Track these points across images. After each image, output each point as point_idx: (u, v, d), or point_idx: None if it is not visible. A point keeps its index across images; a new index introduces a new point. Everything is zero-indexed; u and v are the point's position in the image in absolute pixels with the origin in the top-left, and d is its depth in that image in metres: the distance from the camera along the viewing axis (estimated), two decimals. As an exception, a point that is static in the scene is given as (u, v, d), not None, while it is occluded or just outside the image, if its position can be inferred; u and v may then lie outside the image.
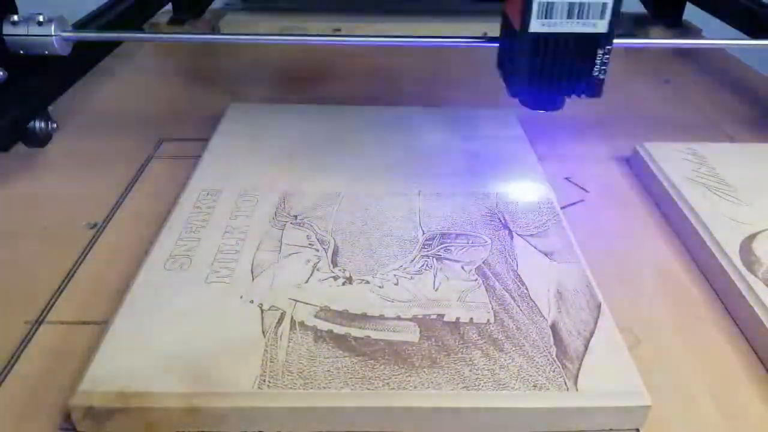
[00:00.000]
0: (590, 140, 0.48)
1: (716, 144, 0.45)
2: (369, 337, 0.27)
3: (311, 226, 0.34)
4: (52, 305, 0.31)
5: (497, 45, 0.37)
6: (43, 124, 0.41)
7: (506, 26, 0.35)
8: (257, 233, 0.33)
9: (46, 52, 0.38)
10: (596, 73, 0.33)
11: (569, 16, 0.31)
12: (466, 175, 0.39)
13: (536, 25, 0.31)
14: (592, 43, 0.32)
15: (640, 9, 0.71)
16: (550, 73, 0.33)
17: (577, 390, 0.25)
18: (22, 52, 0.38)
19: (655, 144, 0.43)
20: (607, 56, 0.32)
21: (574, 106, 0.55)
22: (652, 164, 0.41)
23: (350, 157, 0.41)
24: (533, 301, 0.29)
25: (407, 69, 0.61)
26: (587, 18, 0.31)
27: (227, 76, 0.60)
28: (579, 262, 0.32)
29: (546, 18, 0.31)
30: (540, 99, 0.35)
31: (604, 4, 0.31)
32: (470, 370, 0.25)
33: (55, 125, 0.42)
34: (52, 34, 0.37)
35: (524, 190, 0.38)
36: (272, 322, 0.27)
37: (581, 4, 0.30)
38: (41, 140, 0.41)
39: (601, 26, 0.31)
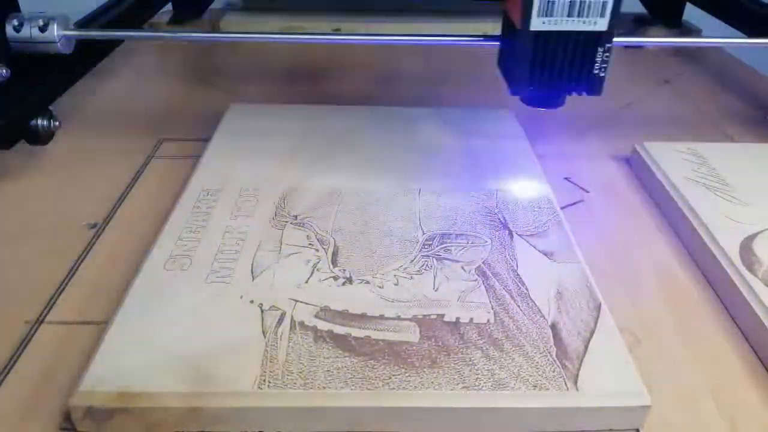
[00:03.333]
0: (590, 140, 0.48)
1: (716, 144, 0.45)
2: (369, 337, 0.27)
3: (311, 226, 0.34)
4: (52, 305, 0.31)
5: (497, 44, 0.37)
6: (45, 122, 0.41)
7: (507, 25, 0.35)
8: (257, 233, 0.33)
9: (50, 52, 0.39)
10: (597, 71, 0.33)
11: (570, 14, 0.31)
12: (466, 175, 0.39)
13: (537, 23, 0.31)
14: (593, 41, 0.32)
15: (640, 9, 0.71)
16: (550, 70, 0.33)
17: (577, 390, 0.25)
18: (28, 53, 0.38)
19: (655, 144, 0.43)
20: (608, 54, 0.33)
21: (574, 105, 0.55)
22: (652, 164, 0.41)
23: (350, 156, 0.41)
24: (533, 301, 0.29)
25: (407, 69, 0.61)
26: (588, 16, 0.31)
27: (227, 76, 0.60)
28: (579, 262, 0.32)
29: (547, 16, 0.31)
30: (541, 97, 0.36)
31: (605, 3, 0.31)
32: (470, 370, 0.25)
33: (57, 123, 0.42)
34: (56, 40, 0.38)
35: (524, 190, 0.38)
36: (272, 322, 0.27)
37: (582, 3, 0.31)
38: (44, 138, 0.41)
39: (602, 24, 0.31)
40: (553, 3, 0.31)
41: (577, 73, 0.33)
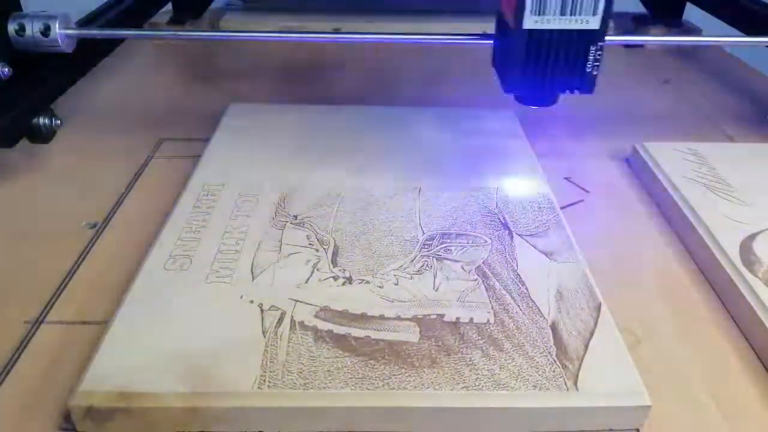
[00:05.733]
0: (590, 140, 0.48)
1: (716, 144, 0.45)
2: (369, 337, 0.27)
3: (311, 226, 0.34)
4: (52, 305, 0.31)
5: (492, 43, 0.38)
6: (47, 121, 0.41)
7: (501, 23, 0.36)
8: (257, 233, 0.33)
9: (51, 51, 0.39)
10: (589, 69, 0.33)
11: (562, 12, 0.31)
12: (466, 175, 0.39)
13: (530, 22, 0.31)
14: (585, 39, 0.32)
15: (640, 9, 0.71)
16: (543, 69, 0.33)
17: (577, 390, 0.25)
18: (29, 52, 0.38)
19: (655, 144, 0.43)
20: (600, 53, 0.33)
21: (574, 105, 0.55)
22: (652, 164, 0.41)
23: (350, 156, 0.41)
24: (533, 301, 0.29)
25: (407, 68, 0.61)
26: (579, 14, 0.31)
27: (227, 76, 0.60)
28: (579, 262, 0.32)
29: (539, 14, 0.31)
30: (534, 95, 0.36)
31: (596, 1, 0.31)
32: (470, 370, 0.25)
33: (59, 122, 0.42)
34: (58, 39, 0.38)
35: (524, 189, 0.38)
36: (272, 322, 0.27)
37: (574, 1, 0.31)
38: (45, 137, 0.41)
39: (594, 23, 0.32)
40: (546, 1, 0.31)
41: (570, 71, 0.33)
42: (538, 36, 0.32)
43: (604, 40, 0.32)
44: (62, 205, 0.38)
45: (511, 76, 0.34)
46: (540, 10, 0.31)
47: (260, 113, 0.47)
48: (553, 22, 0.31)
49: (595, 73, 0.33)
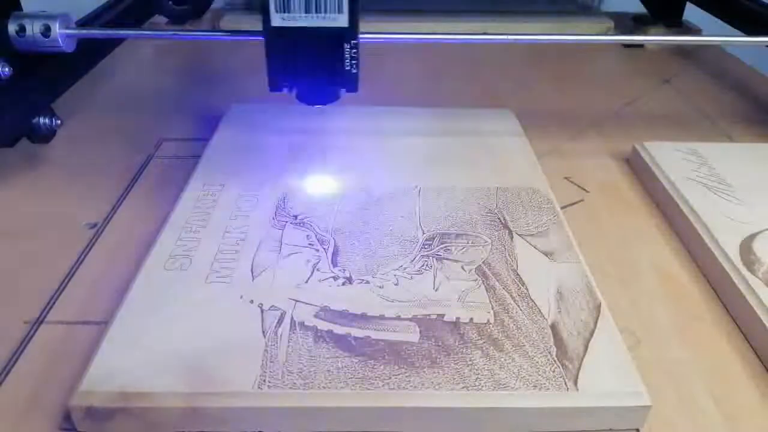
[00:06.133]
0: (590, 139, 0.48)
1: (716, 144, 0.45)
2: (369, 337, 0.27)
3: (311, 226, 0.34)
4: (52, 305, 0.31)
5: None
6: (47, 121, 0.41)
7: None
8: (257, 233, 0.33)
9: (52, 50, 0.39)
10: (348, 68, 0.33)
11: (307, 10, 0.31)
12: (466, 175, 0.39)
13: (277, 20, 0.31)
14: (336, 37, 0.32)
15: (641, 9, 0.71)
16: (302, 67, 0.33)
17: (577, 390, 0.25)
18: (30, 52, 0.38)
19: (655, 144, 0.43)
20: (355, 51, 0.33)
21: (574, 105, 0.55)
22: (652, 164, 0.41)
23: (350, 157, 0.41)
24: (533, 301, 0.29)
25: (407, 68, 0.61)
26: (325, 12, 0.31)
27: (227, 76, 0.60)
28: (579, 262, 0.32)
29: (285, 12, 0.31)
30: (308, 93, 0.36)
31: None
32: (470, 370, 0.25)
33: (59, 121, 0.42)
34: (58, 38, 0.38)
35: (524, 189, 0.38)
36: (272, 322, 0.27)
37: None
38: (45, 136, 0.42)
39: (342, 20, 0.32)
40: None
41: (329, 69, 0.33)
42: (287, 34, 0.32)
43: (357, 38, 0.32)
44: (62, 205, 0.38)
45: (271, 75, 0.34)
46: (285, 8, 0.31)
47: (260, 113, 0.47)
48: (300, 19, 0.31)
49: (354, 71, 0.33)
